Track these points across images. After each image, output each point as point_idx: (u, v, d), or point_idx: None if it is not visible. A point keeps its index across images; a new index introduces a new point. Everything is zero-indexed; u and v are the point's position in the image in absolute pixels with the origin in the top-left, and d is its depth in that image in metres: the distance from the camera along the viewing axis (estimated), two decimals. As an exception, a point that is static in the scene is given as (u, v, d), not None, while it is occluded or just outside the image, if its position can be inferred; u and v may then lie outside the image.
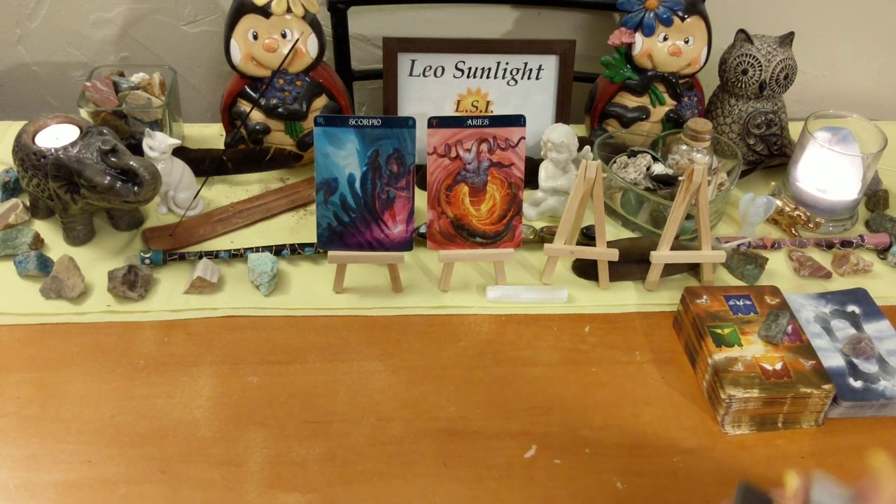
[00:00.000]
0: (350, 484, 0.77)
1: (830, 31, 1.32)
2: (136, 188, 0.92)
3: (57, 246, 1.02)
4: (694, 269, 1.02)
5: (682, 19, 1.12)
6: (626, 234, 1.08)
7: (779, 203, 1.10)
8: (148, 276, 0.96)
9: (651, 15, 1.12)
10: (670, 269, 1.00)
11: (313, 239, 1.01)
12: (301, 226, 1.07)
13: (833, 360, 0.88)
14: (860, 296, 0.97)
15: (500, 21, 1.27)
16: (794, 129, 1.18)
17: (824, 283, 1.03)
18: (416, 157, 0.92)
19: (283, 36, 1.06)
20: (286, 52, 1.06)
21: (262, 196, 1.11)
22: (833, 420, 0.85)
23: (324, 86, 1.11)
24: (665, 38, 1.13)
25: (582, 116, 1.25)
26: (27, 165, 0.97)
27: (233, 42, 1.06)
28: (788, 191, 1.12)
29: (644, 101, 1.17)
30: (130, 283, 0.93)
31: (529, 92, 1.15)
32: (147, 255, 0.98)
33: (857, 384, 0.86)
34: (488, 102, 1.16)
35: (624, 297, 0.99)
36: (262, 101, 1.09)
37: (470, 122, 0.91)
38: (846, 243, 1.07)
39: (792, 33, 1.12)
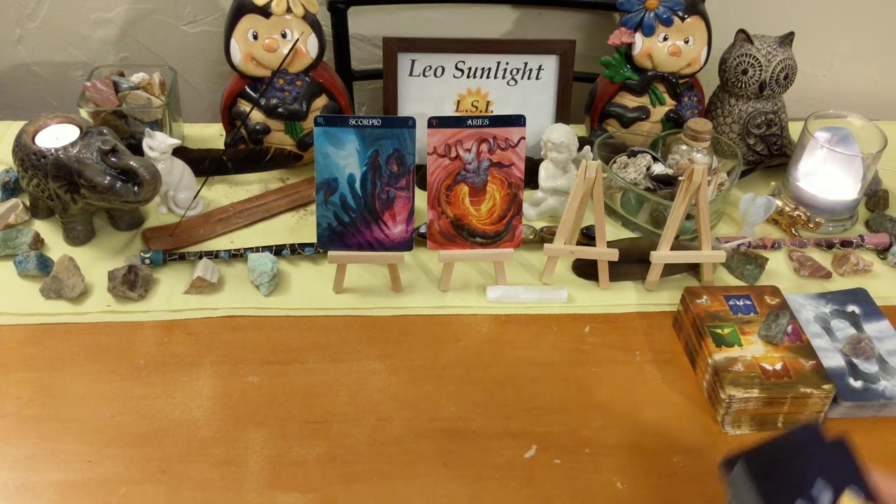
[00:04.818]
0: (350, 484, 0.77)
1: (830, 31, 1.32)
2: (136, 188, 0.92)
3: (57, 246, 1.02)
4: (694, 269, 1.02)
5: (682, 19, 1.12)
6: (626, 234, 1.08)
7: (779, 203, 1.10)
8: (148, 276, 0.96)
9: (651, 15, 1.12)
10: (670, 269, 1.00)
11: (313, 239, 1.01)
12: (301, 226, 1.07)
13: (833, 360, 0.88)
14: (860, 296, 0.97)
15: (500, 21, 1.27)
16: (794, 129, 1.18)
17: (824, 283, 1.03)
18: (416, 157, 0.92)
19: (283, 36, 1.06)
20: (286, 52, 1.06)
21: (262, 196, 1.11)
22: (833, 420, 0.85)
23: (324, 86, 1.11)
24: (665, 38, 1.13)
25: (582, 116, 1.25)
26: (27, 165, 0.97)
27: (233, 42, 1.06)
28: (788, 191, 1.12)
29: (644, 101, 1.17)
30: (130, 283, 0.93)
31: (529, 92, 1.15)
32: (147, 255, 0.98)
33: (857, 384, 0.86)
34: (488, 102, 1.16)
35: (624, 297, 0.99)
36: (262, 101, 1.09)
37: (470, 122, 0.91)
38: (846, 243, 1.07)
39: (792, 33, 1.13)
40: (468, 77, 1.14)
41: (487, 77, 1.14)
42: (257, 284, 0.96)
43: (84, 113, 1.09)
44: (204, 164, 1.10)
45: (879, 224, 1.11)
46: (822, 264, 1.04)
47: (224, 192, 1.12)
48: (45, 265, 0.96)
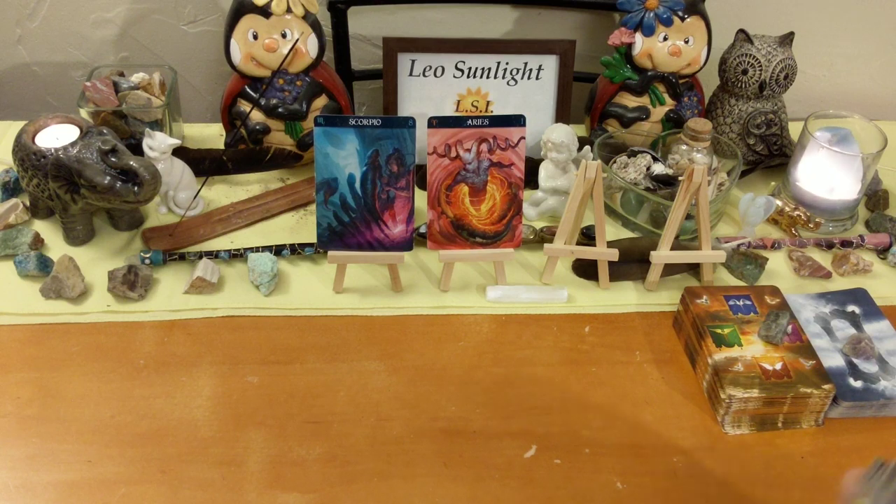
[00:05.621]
0: (350, 484, 0.77)
1: (830, 31, 1.32)
2: (136, 188, 0.92)
3: (57, 246, 1.02)
4: (694, 269, 1.02)
5: (682, 19, 1.12)
6: (626, 234, 1.08)
7: (779, 203, 1.10)
8: (148, 276, 0.96)
9: (651, 15, 1.12)
10: (670, 269, 1.00)
11: (313, 239, 1.01)
12: (301, 226, 1.07)
13: (833, 360, 0.88)
14: (860, 296, 0.97)
15: (500, 21, 1.27)
16: (794, 129, 1.19)
17: (824, 283, 1.03)
18: (416, 157, 0.92)
19: (283, 36, 1.06)
20: (286, 52, 1.06)
21: (262, 196, 1.11)
22: (833, 420, 0.85)
23: (324, 86, 1.11)
24: (665, 38, 1.12)
25: (582, 116, 1.25)
26: (27, 165, 0.97)
27: (233, 42, 1.06)
28: (788, 191, 1.12)
29: (644, 101, 1.17)
30: (130, 283, 0.93)
31: (529, 92, 1.15)
32: (147, 255, 0.98)
33: (857, 384, 0.86)
34: (488, 102, 1.16)
35: (624, 297, 0.99)
36: (262, 101, 1.09)
37: (470, 122, 0.91)
38: (846, 243, 1.07)
39: (792, 33, 1.13)
40: (468, 77, 1.14)
41: (487, 77, 1.14)
42: (257, 284, 0.96)
43: (84, 113, 1.09)
44: (204, 164, 1.10)
45: (879, 224, 1.11)
46: (822, 264, 1.04)
47: (224, 192, 1.12)
48: (45, 265, 0.96)
